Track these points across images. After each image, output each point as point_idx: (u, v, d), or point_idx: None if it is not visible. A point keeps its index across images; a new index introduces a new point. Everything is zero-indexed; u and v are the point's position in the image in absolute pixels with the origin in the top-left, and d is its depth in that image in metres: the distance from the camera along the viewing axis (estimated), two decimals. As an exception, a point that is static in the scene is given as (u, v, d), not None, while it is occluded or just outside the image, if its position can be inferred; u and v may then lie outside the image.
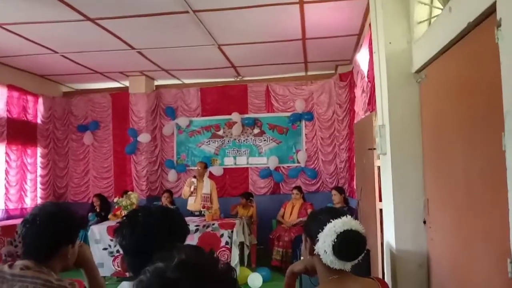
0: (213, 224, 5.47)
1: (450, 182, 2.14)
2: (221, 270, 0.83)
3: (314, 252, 1.56)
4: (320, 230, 1.52)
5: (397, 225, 2.58)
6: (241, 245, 5.75)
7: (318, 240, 1.53)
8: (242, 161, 7.99)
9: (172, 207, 6.59)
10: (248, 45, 6.14)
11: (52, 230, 1.52)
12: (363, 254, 1.54)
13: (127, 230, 1.33)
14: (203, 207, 6.05)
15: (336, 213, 1.57)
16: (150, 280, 0.78)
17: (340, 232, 1.48)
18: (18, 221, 6.23)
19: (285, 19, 5.18)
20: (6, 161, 6.99)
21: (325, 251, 1.50)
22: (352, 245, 1.50)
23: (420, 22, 2.58)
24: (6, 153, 6.99)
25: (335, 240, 1.48)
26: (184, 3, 4.57)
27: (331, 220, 1.52)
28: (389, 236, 2.71)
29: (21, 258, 1.53)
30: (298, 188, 6.80)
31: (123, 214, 5.80)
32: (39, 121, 7.90)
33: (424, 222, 2.52)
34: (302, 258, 1.75)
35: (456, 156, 2.06)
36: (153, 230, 1.31)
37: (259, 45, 6.16)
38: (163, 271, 0.78)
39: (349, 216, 1.55)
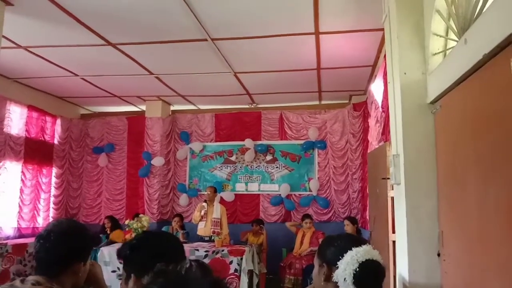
0: (223, 251, 5.41)
1: (465, 214, 2.11)
2: None
3: (332, 279, 1.52)
4: (340, 257, 1.48)
5: (411, 257, 2.52)
6: (250, 273, 5.66)
7: (337, 267, 1.49)
8: (253, 188, 7.97)
9: (182, 231, 6.56)
10: (264, 73, 6.24)
11: (65, 247, 1.53)
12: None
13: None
14: (213, 232, 6.01)
15: (356, 241, 1.54)
16: None
17: (362, 262, 1.45)
18: (29, 240, 6.30)
19: (301, 49, 5.27)
20: (22, 179, 7.10)
21: (345, 279, 1.45)
22: (373, 276, 1.47)
23: (435, 53, 2.60)
24: (22, 172, 7.11)
25: (357, 269, 1.44)
26: (203, 31, 4.70)
27: (352, 247, 1.49)
28: (402, 268, 2.65)
29: (33, 273, 1.54)
30: (309, 216, 6.71)
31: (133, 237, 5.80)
32: (55, 141, 8.05)
33: (438, 254, 2.46)
34: (312, 284, 1.71)
35: (471, 187, 2.04)
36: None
37: (275, 74, 6.25)
38: None
39: (369, 245, 1.52)
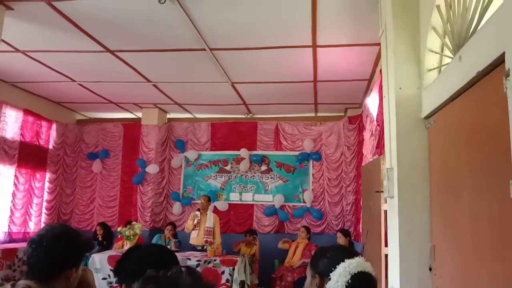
0: (215, 260, 5.39)
1: (458, 228, 2.12)
2: None
3: None
4: (332, 268, 1.49)
5: (403, 271, 2.53)
6: (242, 284, 5.62)
7: (330, 278, 1.49)
8: (247, 198, 7.95)
9: (174, 240, 6.52)
10: (261, 84, 6.28)
11: (57, 252, 1.52)
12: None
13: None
14: (206, 242, 5.98)
15: (349, 252, 1.55)
16: None
17: (355, 273, 1.44)
18: (20, 245, 6.22)
19: (298, 61, 5.31)
20: (15, 183, 7.04)
21: None
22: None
23: (430, 69, 2.64)
24: (15, 176, 7.05)
25: (349, 281, 1.43)
26: (202, 41, 4.73)
27: (344, 259, 1.50)
28: (394, 282, 2.65)
29: (23, 278, 1.53)
30: (307, 228, 6.70)
31: (125, 244, 5.77)
32: (50, 146, 8.01)
33: (430, 269, 2.47)
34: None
35: (464, 202, 2.06)
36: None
37: (271, 85, 6.29)
38: None
39: (362, 257, 1.53)
